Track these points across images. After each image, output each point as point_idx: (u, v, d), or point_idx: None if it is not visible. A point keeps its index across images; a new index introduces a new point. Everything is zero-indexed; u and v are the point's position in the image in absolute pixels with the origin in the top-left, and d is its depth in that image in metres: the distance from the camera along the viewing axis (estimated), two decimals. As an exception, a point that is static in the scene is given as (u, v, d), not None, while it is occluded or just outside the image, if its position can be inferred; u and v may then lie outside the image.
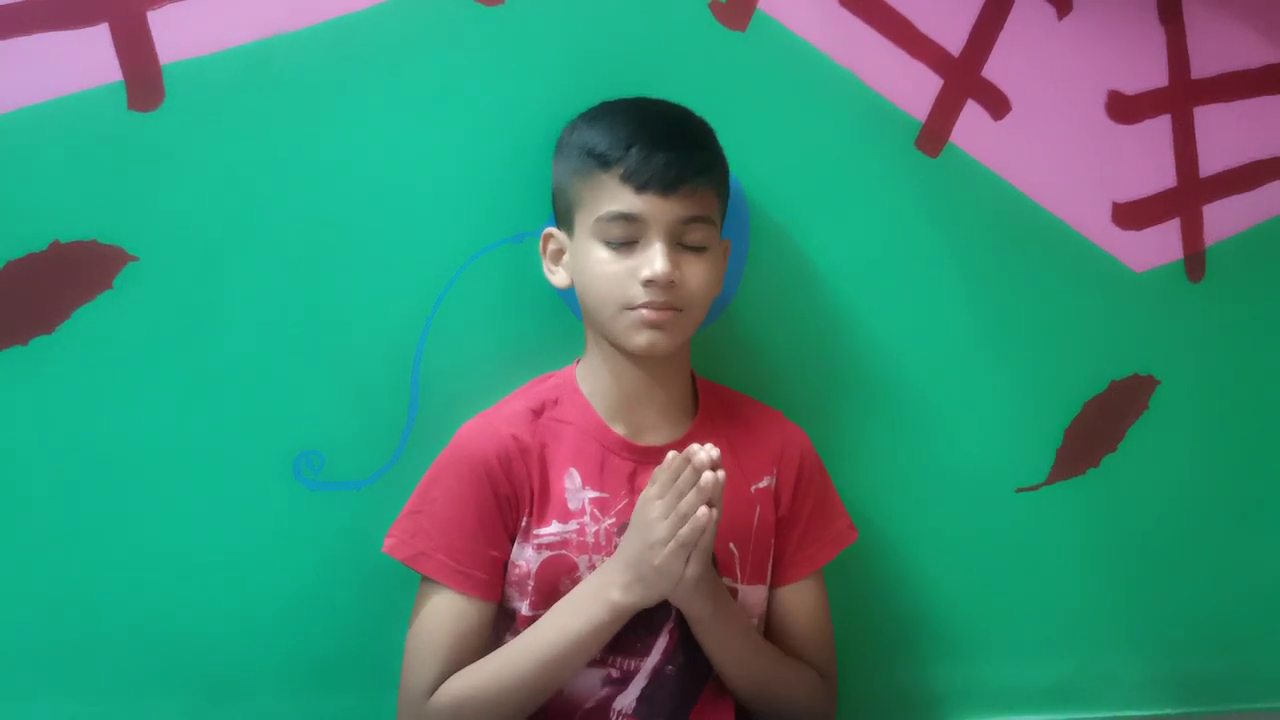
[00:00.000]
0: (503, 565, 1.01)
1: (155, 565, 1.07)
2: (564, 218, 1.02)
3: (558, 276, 1.04)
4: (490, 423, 1.02)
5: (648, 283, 0.96)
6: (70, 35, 1.01)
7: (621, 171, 0.96)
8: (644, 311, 0.97)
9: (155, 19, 1.02)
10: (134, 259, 1.04)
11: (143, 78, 1.02)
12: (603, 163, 0.97)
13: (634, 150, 0.96)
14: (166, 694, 1.08)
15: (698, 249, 0.99)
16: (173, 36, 1.02)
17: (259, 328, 1.06)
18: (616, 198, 0.97)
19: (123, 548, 1.06)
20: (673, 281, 0.96)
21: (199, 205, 1.04)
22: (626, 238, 0.97)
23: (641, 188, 0.96)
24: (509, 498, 1.00)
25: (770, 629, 1.07)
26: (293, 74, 1.05)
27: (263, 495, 1.07)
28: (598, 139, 0.98)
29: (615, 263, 0.97)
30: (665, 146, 0.97)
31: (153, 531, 1.06)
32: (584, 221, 0.99)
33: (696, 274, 0.99)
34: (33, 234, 1.02)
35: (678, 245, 0.98)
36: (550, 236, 1.04)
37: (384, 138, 1.07)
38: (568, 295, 1.07)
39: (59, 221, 1.02)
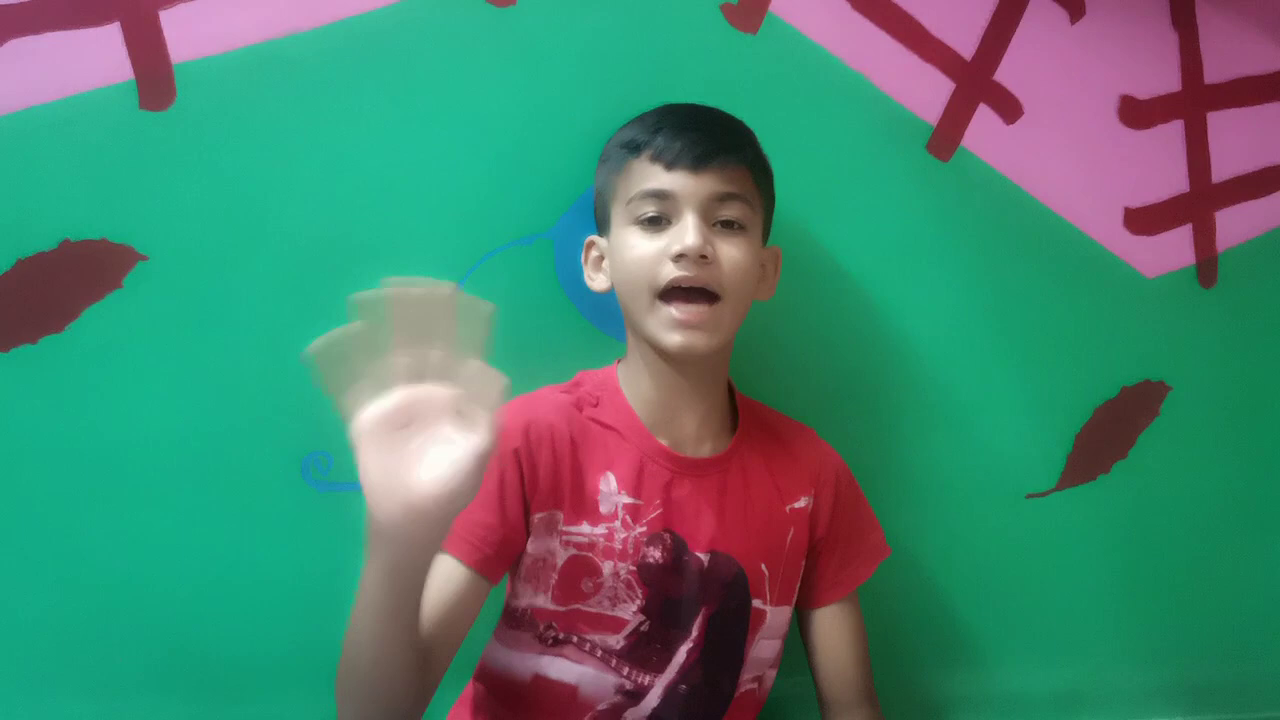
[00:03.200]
0: (514, 549, 0.97)
1: (162, 565, 1.06)
2: (603, 221, 1.01)
3: (598, 282, 1.03)
4: (525, 407, 0.98)
5: (678, 257, 0.93)
6: (82, 34, 1.01)
7: (650, 153, 0.96)
8: (674, 311, 0.94)
9: (167, 18, 1.02)
10: (144, 258, 1.04)
11: (154, 77, 1.02)
12: (633, 149, 0.97)
13: (662, 132, 0.96)
14: (172, 694, 1.08)
15: (733, 227, 0.97)
16: (184, 36, 1.02)
17: (268, 328, 1.06)
18: (647, 177, 0.96)
19: (129, 547, 1.06)
20: (704, 256, 0.93)
21: (209, 205, 1.04)
22: (658, 213, 0.95)
23: (671, 165, 0.95)
24: (534, 481, 0.96)
25: (811, 656, 1.07)
26: (303, 74, 1.05)
27: (270, 496, 1.07)
28: (630, 132, 0.99)
29: (647, 244, 0.95)
30: (693, 127, 0.96)
31: (159, 531, 1.06)
32: (619, 211, 0.98)
33: (732, 254, 0.95)
34: (43, 232, 1.02)
35: (713, 225, 0.96)
36: (591, 245, 1.03)
37: (394, 139, 1.07)
38: (579, 294, 1.06)
39: (69, 220, 1.02)
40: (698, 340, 0.95)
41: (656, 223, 0.96)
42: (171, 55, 1.03)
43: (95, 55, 1.01)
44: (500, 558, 0.95)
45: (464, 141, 1.08)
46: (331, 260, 1.07)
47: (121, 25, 1.02)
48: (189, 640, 1.07)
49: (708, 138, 0.96)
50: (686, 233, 0.94)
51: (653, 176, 0.96)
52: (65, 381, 1.03)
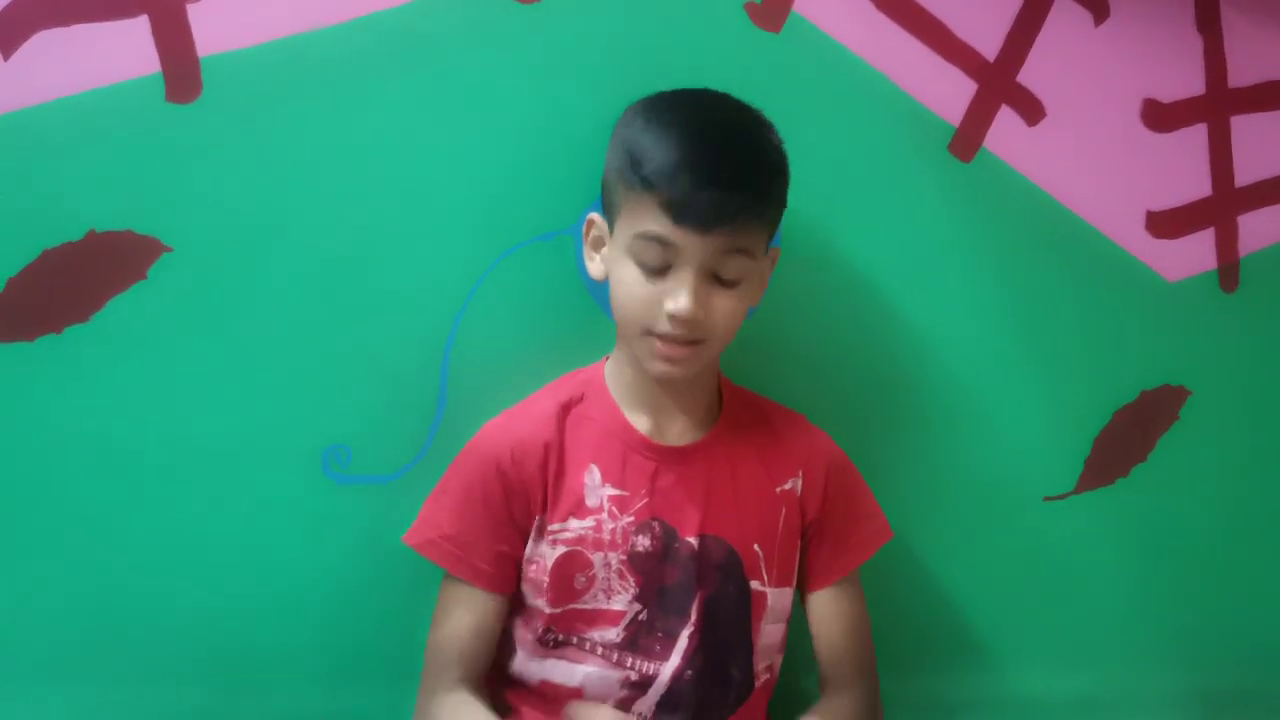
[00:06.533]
0: (513, 561, 1.00)
1: (182, 556, 1.07)
2: (608, 211, 0.99)
3: (594, 266, 1.01)
4: (512, 422, 1.02)
5: (671, 316, 0.93)
6: (110, 26, 1.02)
7: (661, 199, 0.92)
8: (659, 344, 0.95)
9: (194, 12, 1.03)
10: (169, 250, 1.04)
11: (181, 70, 1.03)
12: (646, 183, 0.92)
13: (680, 180, 0.91)
14: (190, 684, 1.08)
15: (731, 282, 0.95)
16: (211, 29, 1.03)
17: (290, 320, 1.07)
18: (655, 221, 0.92)
19: (149, 538, 1.06)
20: (696, 319, 0.93)
21: (234, 197, 1.05)
22: (659, 263, 0.93)
23: (679, 220, 0.91)
24: (522, 497, 0.99)
25: (813, 638, 1.07)
26: (329, 68, 1.05)
27: (291, 488, 1.08)
28: (648, 150, 0.93)
29: (644, 286, 0.94)
30: (712, 182, 0.91)
31: (180, 522, 1.07)
32: (622, 230, 0.96)
33: (725, 308, 0.95)
34: (70, 223, 1.02)
35: (711, 277, 0.94)
36: (593, 223, 1.01)
37: (418, 134, 1.08)
38: (598, 291, 1.06)
39: (96, 211, 1.03)
40: (677, 371, 0.97)
41: (656, 268, 0.94)
42: (198, 48, 1.03)
43: (123, 48, 1.02)
44: (503, 574, 1.00)
45: (487, 137, 1.08)
46: (354, 254, 1.07)
47: (149, 18, 1.02)
48: (207, 630, 1.08)
49: (723, 198, 0.91)
50: (681, 295, 0.92)
51: (660, 224, 0.92)
52: (89, 371, 1.04)
